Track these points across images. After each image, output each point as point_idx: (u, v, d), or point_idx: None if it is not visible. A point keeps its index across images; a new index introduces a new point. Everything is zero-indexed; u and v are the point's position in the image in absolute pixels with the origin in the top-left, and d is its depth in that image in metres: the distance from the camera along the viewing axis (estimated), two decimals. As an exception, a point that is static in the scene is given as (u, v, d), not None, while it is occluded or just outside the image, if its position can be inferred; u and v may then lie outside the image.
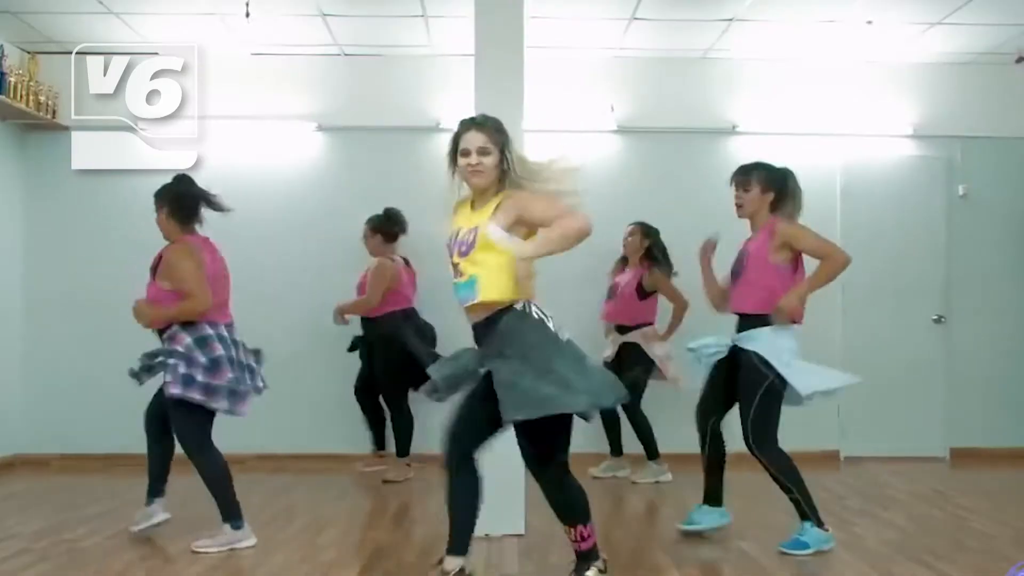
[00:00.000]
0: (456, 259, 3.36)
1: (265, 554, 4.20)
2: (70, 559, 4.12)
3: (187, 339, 4.24)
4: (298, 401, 6.80)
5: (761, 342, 4.25)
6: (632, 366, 6.12)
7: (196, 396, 4.19)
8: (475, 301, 3.32)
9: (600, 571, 3.43)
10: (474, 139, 3.37)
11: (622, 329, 6.26)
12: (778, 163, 4.57)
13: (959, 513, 5.14)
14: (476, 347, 3.40)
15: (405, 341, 6.04)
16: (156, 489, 4.54)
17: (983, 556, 4.14)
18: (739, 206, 4.50)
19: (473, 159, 3.35)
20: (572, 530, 3.42)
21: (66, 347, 6.88)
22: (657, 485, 6.08)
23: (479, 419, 3.35)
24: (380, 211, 6.35)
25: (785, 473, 4.25)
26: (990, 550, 4.26)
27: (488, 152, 3.36)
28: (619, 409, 6.24)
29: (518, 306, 3.32)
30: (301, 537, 4.55)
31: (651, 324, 6.28)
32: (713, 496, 4.57)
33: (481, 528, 4.45)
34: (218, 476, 4.32)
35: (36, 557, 4.14)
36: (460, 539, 3.44)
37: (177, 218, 4.44)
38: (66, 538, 4.47)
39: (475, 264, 3.32)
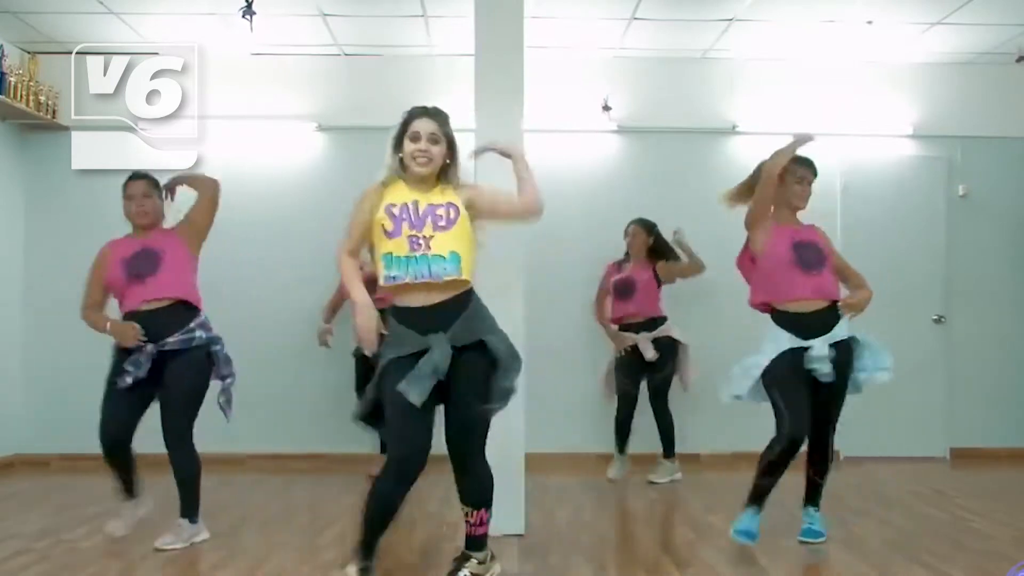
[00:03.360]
0: (428, 231, 3.33)
1: (265, 554, 4.20)
2: (70, 559, 4.12)
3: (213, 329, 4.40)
4: (298, 401, 6.80)
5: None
6: (669, 360, 6.16)
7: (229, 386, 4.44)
8: (456, 277, 3.34)
9: (480, 563, 3.54)
10: (426, 126, 3.43)
11: (651, 324, 6.21)
12: None
13: (959, 513, 5.14)
14: (419, 337, 3.32)
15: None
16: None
17: (983, 556, 4.13)
18: (805, 198, 4.44)
19: (422, 144, 3.41)
20: (475, 513, 3.49)
21: (66, 347, 6.87)
22: (667, 484, 6.08)
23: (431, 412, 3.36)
24: None
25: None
26: (990, 550, 4.26)
27: (438, 141, 3.43)
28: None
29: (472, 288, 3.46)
30: (301, 537, 4.55)
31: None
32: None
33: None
34: (196, 472, 4.37)
35: (36, 557, 4.13)
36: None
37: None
38: (66, 538, 4.47)
39: (457, 239, 3.36)
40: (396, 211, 3.35)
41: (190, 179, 4.68)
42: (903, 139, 7.27)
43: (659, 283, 6.28)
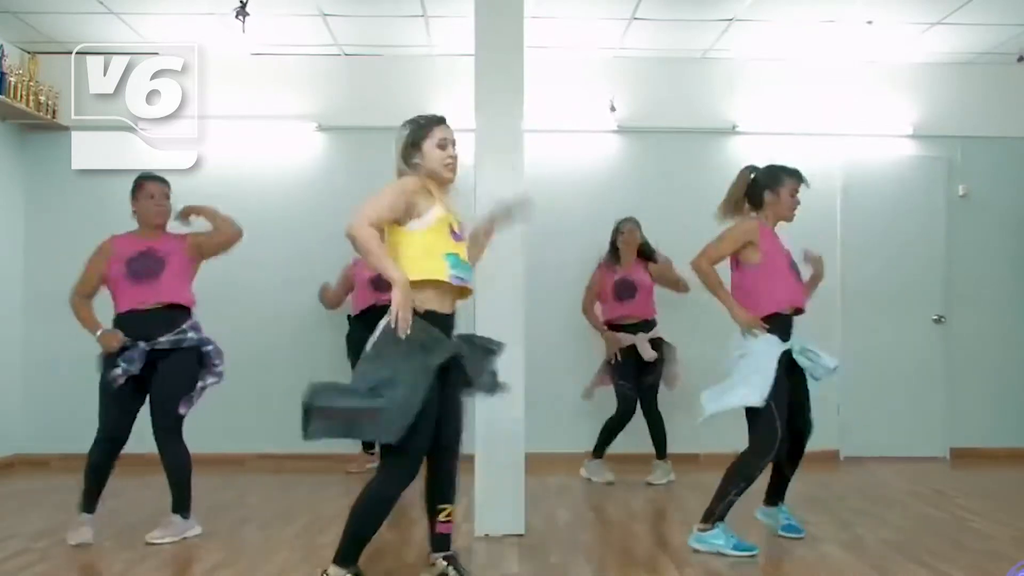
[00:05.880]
0: (461, 246, 3.41)
1: (265, 554, 4.20)
2: (70, 559, 4.12)
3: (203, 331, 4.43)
4: (298, 401, 6.78)
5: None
6: (661, 361, 6.13)
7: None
8: (470, 286, 3.45)
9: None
10: (450, 133, 3.47)
11: (646, 325, 6.20)
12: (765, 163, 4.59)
13: (959, 513, 5.14)
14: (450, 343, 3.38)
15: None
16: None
17: (983, 556, 4.13)
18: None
19: (452, 151, 3.44)
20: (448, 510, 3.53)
21: (66, 347, 6.84)
22: (660, 485, 6.06)
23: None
24: None
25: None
26: (990, 550, 4.26)
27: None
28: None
29: None
30: (301, 537, 4.55)
31: None
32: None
33: (481, 528, 4.48)
34: (187, 468, 4.46)
35: (36, 557, 4.13)
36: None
37: None
38: (66, 538, 4.47)
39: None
40: (453, 225, 3.38)
41: (219, 219, 4.54)
42: (903, 139, 7.27)
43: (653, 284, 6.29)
